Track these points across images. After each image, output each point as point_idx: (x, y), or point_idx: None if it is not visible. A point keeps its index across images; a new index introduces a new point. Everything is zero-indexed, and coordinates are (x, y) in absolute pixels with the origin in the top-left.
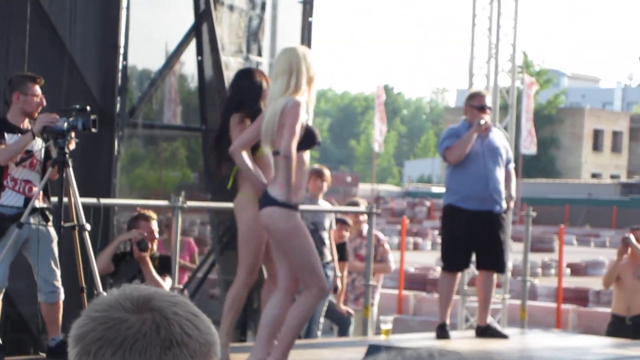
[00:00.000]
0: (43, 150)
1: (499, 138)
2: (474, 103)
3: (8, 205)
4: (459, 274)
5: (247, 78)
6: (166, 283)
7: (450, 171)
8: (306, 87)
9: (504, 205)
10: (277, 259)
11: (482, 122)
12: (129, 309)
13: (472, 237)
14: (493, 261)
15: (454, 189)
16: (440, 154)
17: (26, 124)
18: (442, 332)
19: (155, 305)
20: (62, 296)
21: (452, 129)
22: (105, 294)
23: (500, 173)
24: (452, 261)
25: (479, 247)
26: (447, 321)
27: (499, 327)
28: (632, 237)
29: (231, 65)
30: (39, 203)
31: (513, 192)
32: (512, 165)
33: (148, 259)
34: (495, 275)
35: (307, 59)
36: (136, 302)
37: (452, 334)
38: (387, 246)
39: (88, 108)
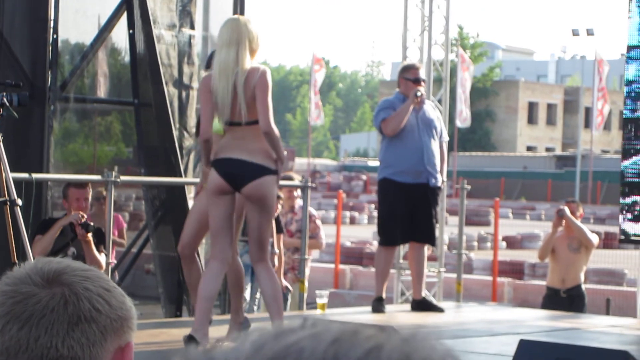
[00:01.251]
0: None
1: (432, 111)
2: (408, 75)
3: None
4: (396, 248)
5: None
6: (102, 259)
7: (386, 145)
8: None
9: (439, 178)
10: (237, 228)
11: (419, 93)
12: (38, 284)
13: (407, 210)
14: (424, 234)
15: (389, 162)
16: (375, 127)
17: None
18: (378, 306)
19: (65, 279)
20: None
21: (387, 100)
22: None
23: (435, 146)
24: (389, 235)
25: (412, 220)
26: (384, 295)
27: (434, 301)
28: (566, 210)
29: (164, 38)
30: None
31: (444, 174)
32: (445, 140)
33: (91, 240)
34: (426, 248)
35: (252, 30)
36: (46, 276)
37: (388, 307)
38: (318, 222)
39: (21, 84)
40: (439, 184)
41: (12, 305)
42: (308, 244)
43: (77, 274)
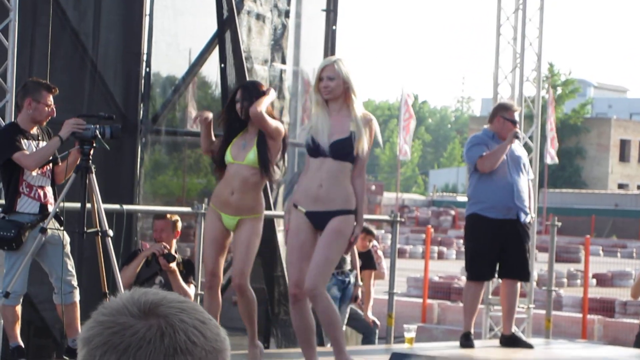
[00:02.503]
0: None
1: (520, 148)
2: (507, 116)
3: (25, 212)
4: (484, 284)
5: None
6: (191, 290)
7: (476, 180)
8: None
9: (529, 214)
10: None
11: (520, 135)
12: (135, 315)
13: (496, 246)
14: (517, 270)
15: (478, 198)
16: (468, 162)
17: (35, 130)
18: (466, 341)
19: (162, 311)
20: (78, 297)
21: (477, 136)
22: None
23: (524, 182)
24: (477, 271)
25: (504, 256)
26: (472, 330)
27: (523, 337)
28: None
29: (256, 72)
30: (51, 208)
31: (532, 210)
32: (531, 177)
33: (176, 270)
34: (519, 285)
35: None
36: (143, 307)
37: (476, 342)
38: (380, 252)
39: (114, 116)
40: (529, 219)
41: (109, 335)
42: (373, 275)
43: (173, 305)
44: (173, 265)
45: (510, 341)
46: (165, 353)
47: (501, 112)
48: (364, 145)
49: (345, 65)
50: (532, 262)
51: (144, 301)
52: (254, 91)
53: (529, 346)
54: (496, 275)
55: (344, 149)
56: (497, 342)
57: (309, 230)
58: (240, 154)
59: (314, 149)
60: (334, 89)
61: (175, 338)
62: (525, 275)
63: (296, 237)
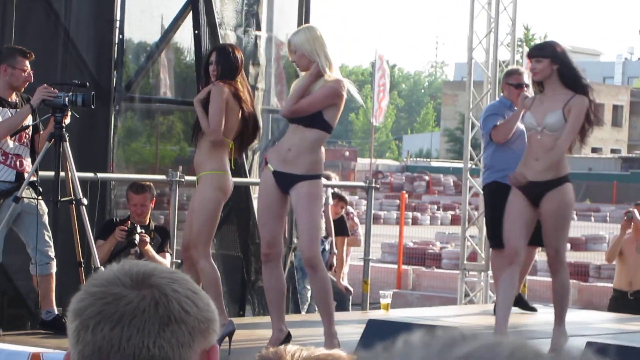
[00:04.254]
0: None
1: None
2: (511, 81)
3: (1, 180)
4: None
5: (233, 53)
6: (166, 260)
7: (493, 149)
8: None
9: None
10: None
11: (528, 99)
12: (127, 285)
13: None
14: (536, 236)
15: (498, 166)
16: (483, 133)
17: (14, 97)
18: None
19: (154, 281)
20: (54, 268)
21: (492, 106)
22: (103, 269)
23: None
24: (501, 238)
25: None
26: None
27: (526, 299)
28: (636, 212)
29: (229, 39)
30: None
31: None
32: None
33: (147, 247)
34: (536, 250)
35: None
36: (135, 278)
37: (456, 309)
38: (356, 219)
39: (87, 84)
40: None
41: (102, 305)
42: (347, 241)
43: (164, 276)
44: (141, 247)
45: (516, 301)
46: (159, 322)
47: (506, 79)
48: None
49: (307, 34)
50: None
51: (136, 272)
52: (228, 54)
53: (533, 309)
54: (471, 241)
55: (314, 116)
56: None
57: (277, 191)
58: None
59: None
60: (299, 63)
61: (169, 307)
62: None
63: (265, 197)
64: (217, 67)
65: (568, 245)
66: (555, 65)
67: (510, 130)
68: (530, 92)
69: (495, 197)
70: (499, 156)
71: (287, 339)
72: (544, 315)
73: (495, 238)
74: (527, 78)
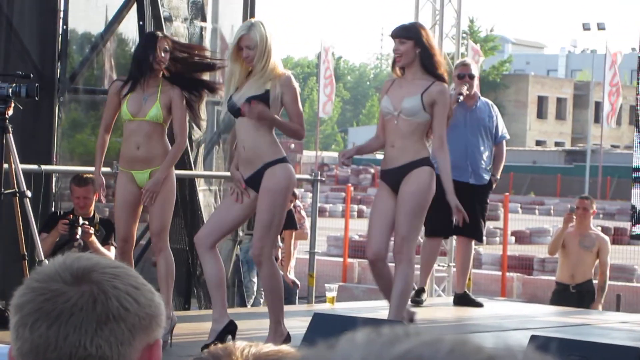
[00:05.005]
0: None
1: (485, 109)
2: (455, 72)
3: None
4: (440, 240)
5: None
6: (110, 253)
7: (433, 140)
8: None
9: (485, 177)
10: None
11: (460, 97)
12: (67, 281)
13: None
14: (469, 229)
15: (434, 158)
16: None
17: None
18: (417, 297)
19: (94, 277)
20: None
21: None
22: (47, 262)
23: (482, 145)
24: (431, 227)
25: None
26: (425, 287)
27: (472, 296)
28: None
29: (175, 30)
30: None
31: (498, 174)
32: (503, 139)
33: (91, 239)
34: (472, 244)
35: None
36: (75, 273)
37: (430, 301)
38: (303, 212)
39: (31, 75)
40: (484, 182)
41: (41, 302)
42: (294, 235)
43: (106, 271)
44: (84, 238)
45: (462, 300)
46: (97, 320)
47: (454, 71)
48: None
49: (262, 28)
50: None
51: (77, 267)
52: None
53: (479, 305)
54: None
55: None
56: (449, 300)
57: (248, 198)
58: (139, 108)
59: (234, 110)
60: (253, 58)
61: (107, 305)
62: (477, 235)
63: (230, 201)
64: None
65: (512, 239)
66: (418, 48)
67: None
68: (474, 84)
69: None
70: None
71: (229, 326)
72: (491, 309)
73: (425, 225)
74: (474, 70)
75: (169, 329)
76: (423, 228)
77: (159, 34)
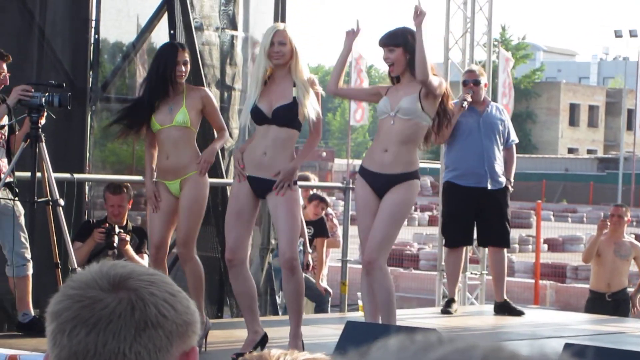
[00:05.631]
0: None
1: (497, 114)
2: (461, 78)
3: None
4: (462, 250)
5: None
6: (144, 261)
7: (447, 148)
8: None
9: (502, 181)
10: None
11: (465, 103)
12: (105, 288)
13: (469, 213)
14: (495, 238)
15: (451, 166)
16: None
17: None
18: (446, 307)
19: (131, 284)
20: (31, 270)
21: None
22: (81, 270)
23: (497, 149)
24: (451, 237)
25: (480, 224)
26: (455, 297)
27: (513, 304)
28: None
29: (206, 39)
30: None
31: (511, 177)
32: (513, 143)
33: (127, 247)
34: (504, 252)
35: None
36: (112, 280)
37: (469, 308)
38: (335, 220)
39: (63, 84)
40: (501, 186)
41: (78, 309)
42: (326, 243)
43: (142, 278)
44: (127, 240)
45: (502, 308)
46: (136, 327)
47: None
48: (308, 110)
49: (292, 32)
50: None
51: (114, 274)
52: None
53: (520, 313)
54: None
55: (287, 115)
56: (482, 308)
57: (249, 196)
58: (167, 117)
59: (259, 116)
60: (285, 54)
61: (145, 311)
62: (504, 242)
63: (235, 201)
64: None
65: (545, 247)
66: (407, 54)
67: (447, 131)
68: (483, 90)
69: (446, 196)
70: (452, 155)
71: (263, 340)
72: (524, 317)
73: (446, 236)
74: (484, 76)
75: (202, 334)
76: (444, 239)
77: (178, 45)
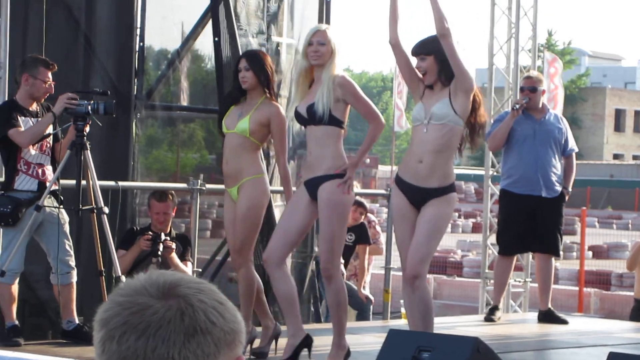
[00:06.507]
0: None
1: (555, 121)
2: (520, 84)
3: (23, 190)
4: (514, 258)
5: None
6: (187, 268)
7: (503, 155)
8: None
9: (558, 189)
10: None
11: (517, 106)
12: (154, 295)
13: (522, 221)
14: (546, 245)
15: (506, 173)
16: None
17: (34, 106)
18: (489, 315)
19: (180, 291)
20: (75, 277)
21: (500, 114)
22: (128, 278)
23: (552, 157)
24: (505, 244)
25: (533, 232)
26: (500, 305)
27: (557, 313)
28: None
29: (251, 46)
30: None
31: (569, 186)
32: (572, 151)
33: (172, 254)
34: (552, 260)
35: None
36: (162, 288)
37: (512, 316)
38: (378, 228)
39: (108, 92)
40: (556, 194)
41: (128, 315)
42: (368, 250)
43: (191, 286)
44: (172, 247)
45: (547, 317)
46: (185, 332)
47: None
48: (316, 106)
49: (334, 34)
50: (561, 236)
51: (163, 282)
52: (258, 59)
53: (564, 322)
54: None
55: (318, 113)
56: (526, 316)
57: (307, 204)
58: (233, 122)
59: (300, 119)
60: (323, 54)
61: (195, 318)
62: (554, 250)
63: (293, 208)
64: (252, 74)
65: (589, 254)
66: (439, 62)
67: (500, 138)
68: (540, 97)
69: (501, 204)
70: (508, 163)
71: (307, 340)
72: (569, 325)
73: (500, 244)
74: (542, 83)
75: (247, 341)
76: (496, 247)
77: (245, 53)
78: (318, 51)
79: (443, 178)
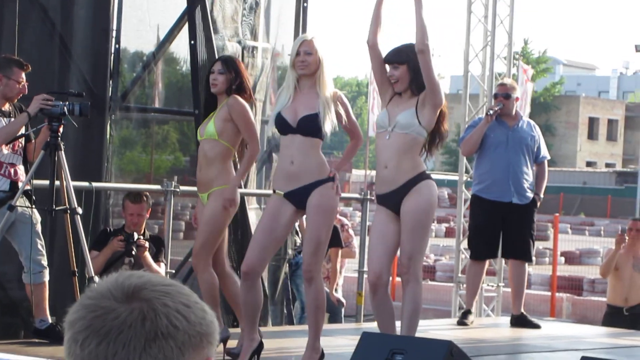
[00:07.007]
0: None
1: (528, 129)
2: (494, 91)
3: None
4: (485, 263)
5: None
6: (161, 269)
7: (476, 161)
8: None
9: (529, 196)
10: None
11: (491, 112)
12: (118, 299)
13: (493, 226)
14: (518, 251)
15: (478, 179)
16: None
17: (7, 107)
18: (462, 319)
19: (145, 295)
20: (47, 277)
21: (474, 120)
22: (98, 279)
23: (524, 164)
24: (476, 249)
25: (504, 237)
26: (472, 309)
27: (529, 317)
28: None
29: (226, 49)
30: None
31: (541, 193)
32: (544, 159)
33: (145, 254)
34: (525, 265)
35: None
36: (126, 291)
37: (486, 320)
38: (351, 231)
39: (83, 93)
40: (528, 201)
41: (92, 319)
42: (342, 253)
43: (157, 289)
44: (146, 246)
45: (519, 321)
46: (146, 337)
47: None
48: (326, 128)
49: (320, 43)
50: (533, 242)
51: (128, 285)
52: (234, 64)
53: (537, 326)
54: (466, 254)
55: (312, 125)
56: (499, 320)
57: (287, 215)
58: (203, 128)
59: (283, 126)
60: (310, 64)
61: (156, 322)
62: (526, 256)
63: (271, 219)
64: (224, 79)
65: (562, 259)
66: (412, 72)
67: (473, 144)
68: (514, 104)
69: (473, 209)
70: (479, 169)
71: (260, 347)
72: (541, 330)
73: (471, 249)
74: (517, 90)
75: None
76: (468, 251)
77: (220, 57)
78: (305, 61)
79: (411, 170)
